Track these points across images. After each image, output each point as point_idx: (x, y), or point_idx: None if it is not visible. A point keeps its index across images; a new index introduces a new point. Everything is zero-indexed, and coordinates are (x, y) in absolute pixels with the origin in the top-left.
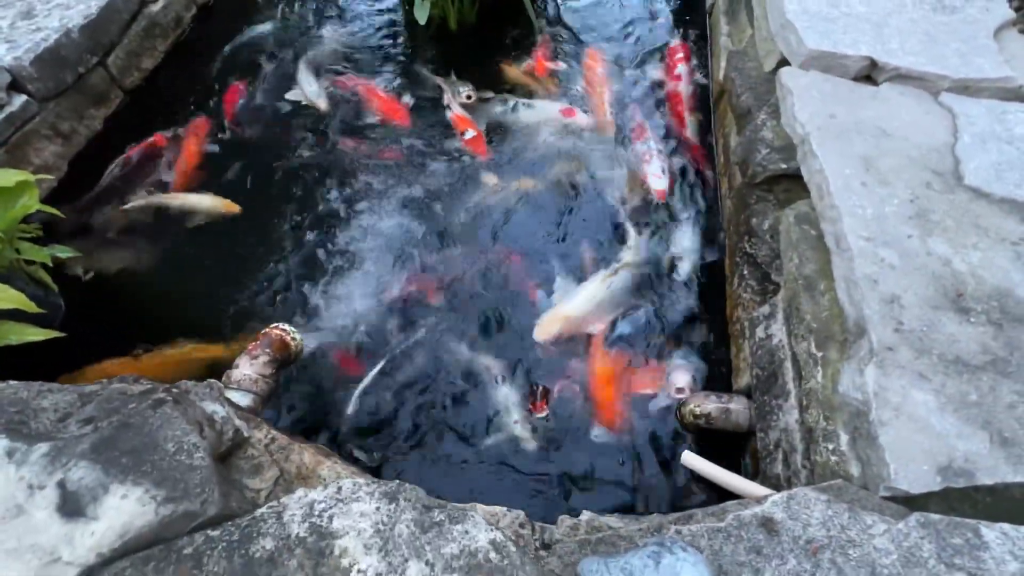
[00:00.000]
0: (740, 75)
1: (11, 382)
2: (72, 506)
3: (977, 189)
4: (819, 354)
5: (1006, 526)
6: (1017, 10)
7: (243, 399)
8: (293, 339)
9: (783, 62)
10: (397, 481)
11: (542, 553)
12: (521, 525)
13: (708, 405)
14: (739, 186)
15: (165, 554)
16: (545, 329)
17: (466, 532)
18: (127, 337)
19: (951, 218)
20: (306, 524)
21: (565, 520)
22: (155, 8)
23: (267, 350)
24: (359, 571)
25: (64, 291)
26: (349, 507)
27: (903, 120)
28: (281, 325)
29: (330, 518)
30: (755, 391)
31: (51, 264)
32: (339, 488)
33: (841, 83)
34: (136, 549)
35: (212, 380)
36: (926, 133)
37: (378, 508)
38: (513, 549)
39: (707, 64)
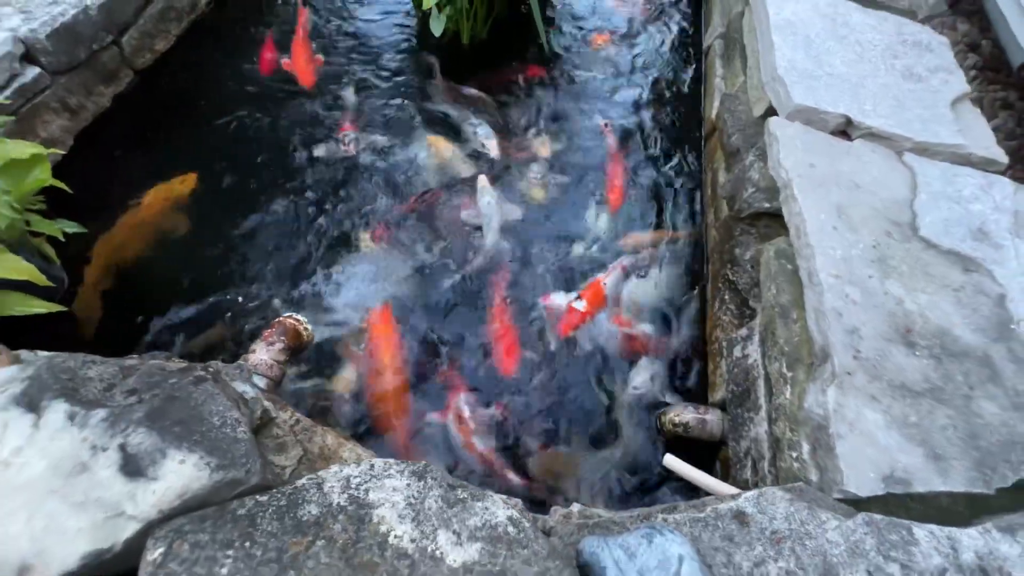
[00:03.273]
0: (731, 117)
1: (59, 352)
2: (133, 467)
3: (928, 240)
4: (789, 374)
5: (933, 527)
6: (971, 82)
7: (259, 382)
8: (305, 328)
9: (771, 110)
10: (424, 462)
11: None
12: (520, 512)
13: (686, 415)
14: (725, 218)
15: (220, 513)
16: None
17: (486, 508)
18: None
19: (906, 264)
20: (345, 495)
21: (558, 510)
22: None
23: (282, 338)
24: (396, 536)
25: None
26: (382, 483)
27: (872, 175)
28: (295, 315)
29: (366, 491)
30: (730, 404)
31: (61, 238)
32: (372, 465)
33: (821, 136)
34: (192, 508)
35: (240, 362)
36: (890, 188)
37: (408, 484)
38: (527, 524)
39: (700, 102)
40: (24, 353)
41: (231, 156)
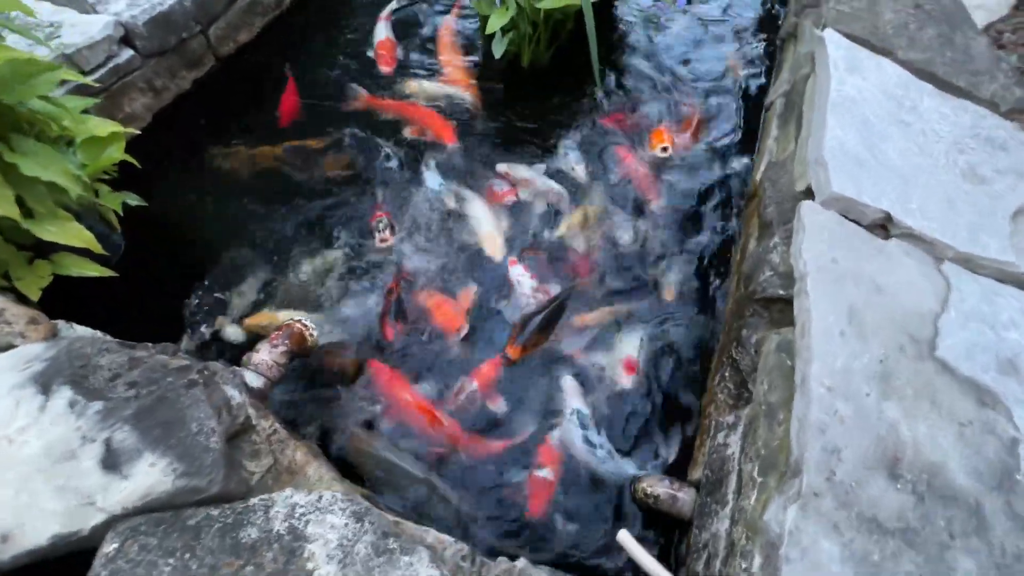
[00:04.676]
0: (772, 187)
1: (81, 335)
2: (112, 462)
3: (945, 363)
4: (759, 479)
5: None
6: None
7: (257, 380)
8: (311, 335)
9: (810, 190)
10: (367, 504)
11: None
12: (463, 558)
13: (659, 488)
14: (740, 296)
15: (173, 520)
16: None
17: (411, 564)
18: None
19: (912, 386)
20: (287, 524)
21: (502, 562)
22: None
23: (286, 342)
24: (319, 575)
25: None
26: (324, 517)
27: (900, 280)
28: (303, 320)
29: (306, 523)
30: (702, 490)
31: (120, 212)
32: (320, 497)
33: (853, 229)
34: (151, 510)
35: (236, 367)
36: (917, 298)
37: (346, 524)
38: None
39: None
40: (61, 324)
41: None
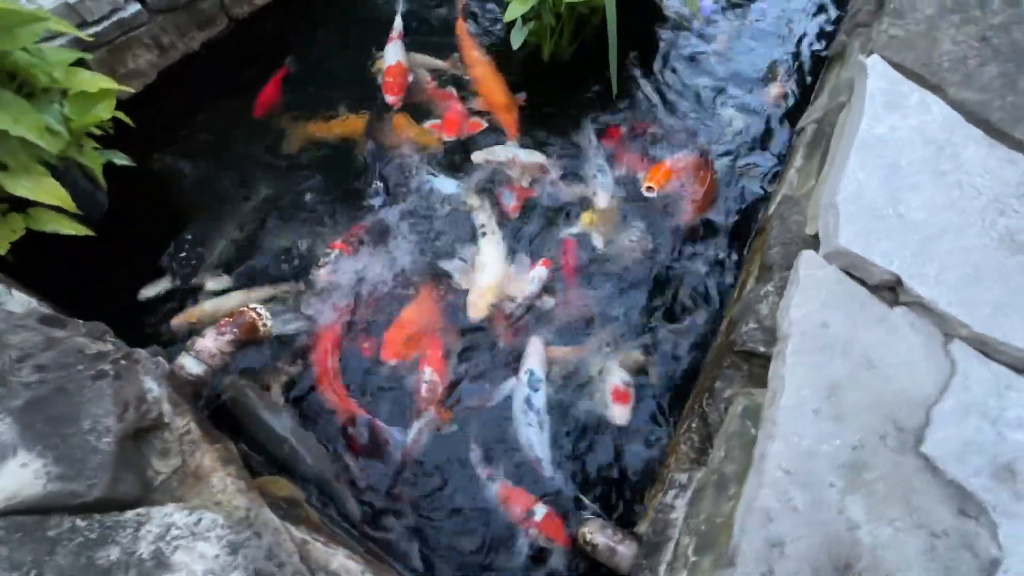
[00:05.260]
0: (781, 225)
1: (11, 307)
2: None
3: (930, 460)
4: (693, 558)
5: None
6: None
7: (197, 367)
8: (264, 324)
9: (819, 237)
10: (248, 534)
11: None
12: None
13: (599, 538)
14: (722, 342)
15: (34, 529)
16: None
17: None
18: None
19: (885, 482)
20: (153, 547)
21: None
22: None
23: (234, 330)
24: None
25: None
26: (196, 544)
27: (897, 356)
28: (259, 309)
29: (175, 549)
30: (642, 548)
31: (99, 173)
32: (199, 520)
33: (857, 290)
34: (16, 512)
35: (160, 359)
36: (913, 380)
37: (217, 555)
38: None
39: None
40: (0, 291)
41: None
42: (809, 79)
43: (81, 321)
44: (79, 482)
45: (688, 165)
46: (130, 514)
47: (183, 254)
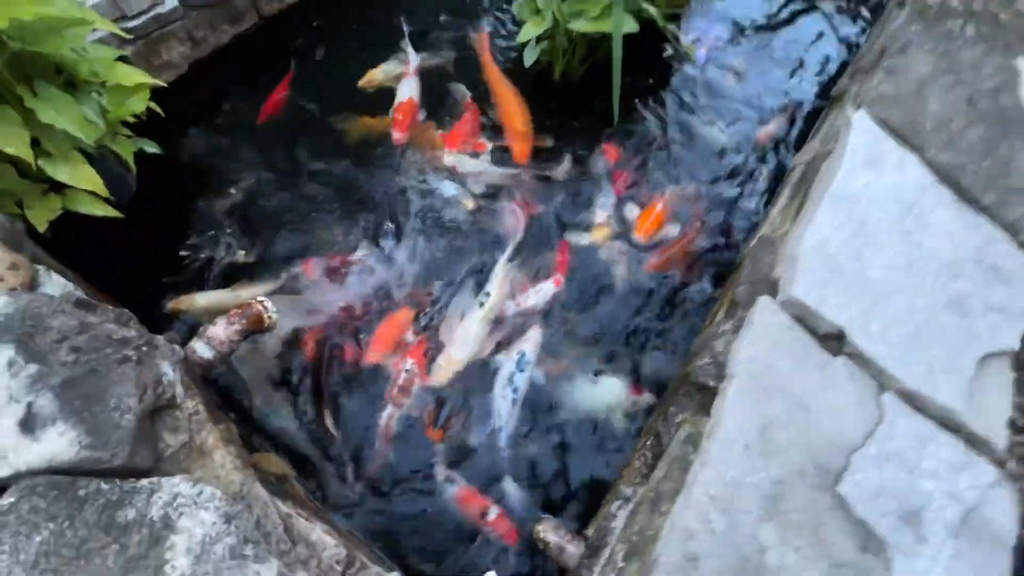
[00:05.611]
0: (753, 264)
1: (40, 294)
2: (29, 425)
3: (843, 500)
4: (622, 564)
5: None
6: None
7: (207, 352)
8: (269, 317)
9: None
10: (240, 507)
11: None
12: (338, 562)
13: (550, 536)
14: (683, 371)
15: (68, 487)
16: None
17: (258, 572)
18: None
19: (799, 514)
20: (163, 512)
21: (373, 570)
22: None
23: (243, 321)
24: (172, 567)
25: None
26: (197, 512)
27: (831, 402)
28: (265, 302)
29: (180, 514)
30: (587, 550)
31: (132, 166)
32: (201, 492)
33: (804, 339)
34: (54, 472)
35: (176, 347)
36: (841, 425)
37: (214, 523)
38: None
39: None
40: (42, 272)
41: (325, 106)
42: (814, 115)
43: (110, 307)
44: (104, 452)
45: (676, 204)
46: (144, 482)
47: (204, 238)
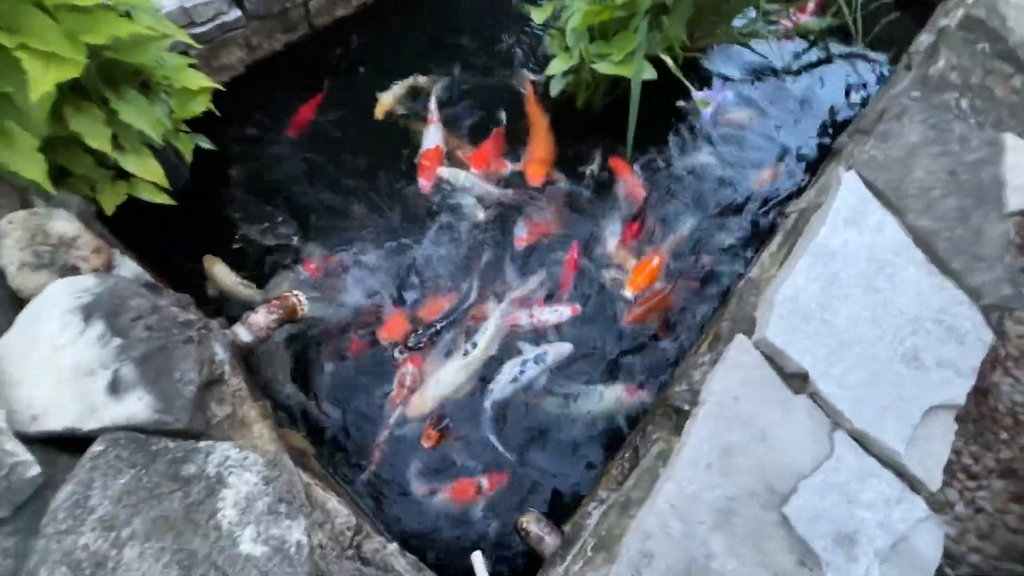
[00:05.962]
0: (738, 303)
1: (121, 277)
2: (114, 388)
3: (787, 519)
4: (590, 554)
5: None
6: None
7: (247, 336)
8: (302, 308)
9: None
10: (276, 473)
11: (349, 553)
12: (348, 528)
13: (532, 526)
14: (662, 396)
15: (144, 441)
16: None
17: (288, 527)
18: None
19: (746, 528)
20: (216, 470)
21: (375, 541)
22: None
23: (280, 311)
24: (223, 514)
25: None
26: (243, 473)
27: (788, 435)
28: (299, 295)
29: (229, 473)
30: (563, 542)
31: (189, 158)
32: (247, 457)
33: (769, 377)
34: (133, 429)
35: (227, 331)
36: (794, 456)
37: (256, 483)
38: (306, 553)
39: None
40: (116, 255)
41: (360, 112)
42: (815, 164)
43: (172, 291)
44: (170, 416)
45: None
46: (202, 444)
47: (253, 226)
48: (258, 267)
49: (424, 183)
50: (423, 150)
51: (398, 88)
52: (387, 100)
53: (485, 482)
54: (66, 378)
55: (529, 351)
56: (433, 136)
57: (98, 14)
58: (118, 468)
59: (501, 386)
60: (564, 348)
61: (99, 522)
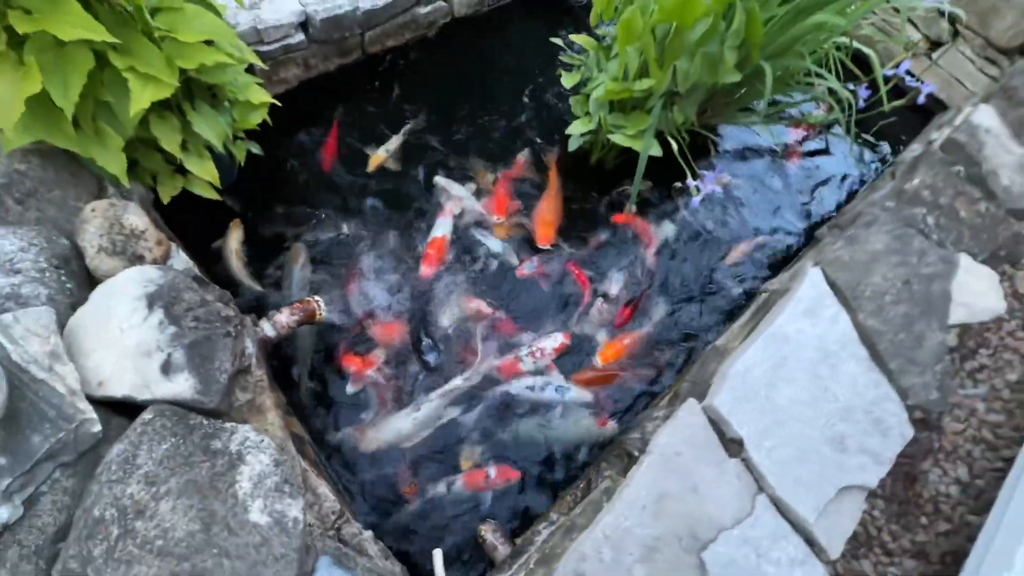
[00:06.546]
0: (702, 367)
1: (178, 271)
2: (166, 369)
3: (704, 564)
4: (532, 566)
5: None
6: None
7: (271, 332)
8: (320, 312)
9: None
10: (284, 456)
11: (331, 534)
12: (332, 512)
13: (490, 536)
14: (619, 439)
15: (183, 416)
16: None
17: (289, 505)
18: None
19: (667, 564)
20: (238, 448)
21: (354, 526)
22: (421, 11)
23: (301, 314)
24: (239, 485)
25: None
26: (259, 453)
27: (717, 492)
28: (320, 300)
29: (248, 452)
30: (512, 553)
31: (241, 162)
32: (263, 440)
33: (712, 438)
34: (177, 404)
35: (256, 327)
36: (719, 510)
37: (267, 464)
38: (300, 528)
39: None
40: (173, 248)
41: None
42: (790, 248)
43: (216, 287)
44: (206, 396)
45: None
46: (228, 424)
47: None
48: (274, 258)
49: (426, 270)
50: (430, 238)
51: (391, 143)
52: (380, 155)
53: (493, 472)
54: (129, 355)
55: (557, 377)
56: (442, 227)
57: (194, 44)
58: (162, 435)
59: (518, 386)
60: (583, 401)
61: (143, 477)
